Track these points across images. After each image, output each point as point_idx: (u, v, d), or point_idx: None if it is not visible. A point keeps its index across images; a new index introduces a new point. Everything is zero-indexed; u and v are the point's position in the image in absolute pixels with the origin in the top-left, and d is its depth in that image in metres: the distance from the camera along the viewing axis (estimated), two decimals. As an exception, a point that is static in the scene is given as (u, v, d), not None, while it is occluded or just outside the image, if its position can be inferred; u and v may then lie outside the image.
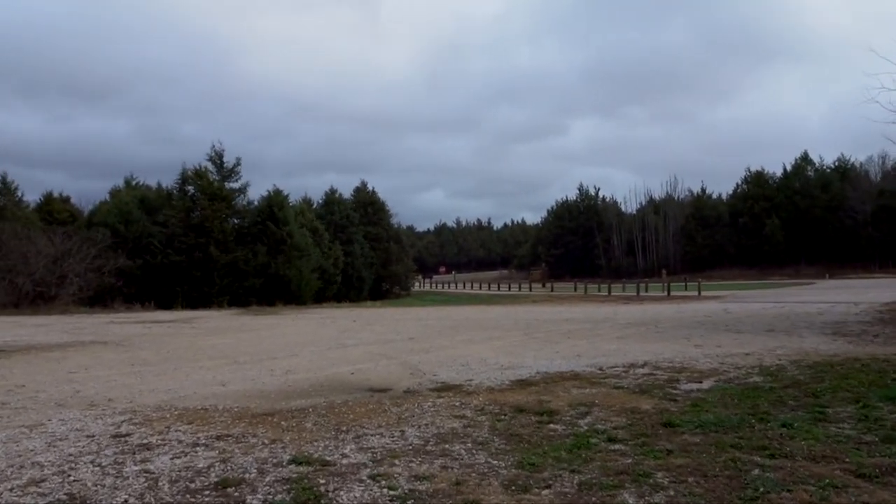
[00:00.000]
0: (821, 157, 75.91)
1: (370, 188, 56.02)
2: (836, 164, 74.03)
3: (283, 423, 6.60)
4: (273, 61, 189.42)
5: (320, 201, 53.14)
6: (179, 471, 4.92)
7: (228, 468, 4.99)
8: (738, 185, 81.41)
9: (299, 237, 42.85)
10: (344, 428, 6.29)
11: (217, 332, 18.28)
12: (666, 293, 39.92)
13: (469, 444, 5.55)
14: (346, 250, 49.51)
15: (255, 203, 44.20)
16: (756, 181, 77.62)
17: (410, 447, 5.53)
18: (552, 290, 54.26)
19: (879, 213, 63.91)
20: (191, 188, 41.74)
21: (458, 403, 7.36)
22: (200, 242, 38.48)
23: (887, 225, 63.19)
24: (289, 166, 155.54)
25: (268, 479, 4.68)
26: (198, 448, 5.61)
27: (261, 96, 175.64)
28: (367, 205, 54.52)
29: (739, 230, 74.46)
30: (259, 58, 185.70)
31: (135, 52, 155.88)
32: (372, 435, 5.99)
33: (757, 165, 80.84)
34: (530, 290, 58.05)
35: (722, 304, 28.28)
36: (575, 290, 51.60)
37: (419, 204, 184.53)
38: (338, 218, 50.26)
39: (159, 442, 5.84)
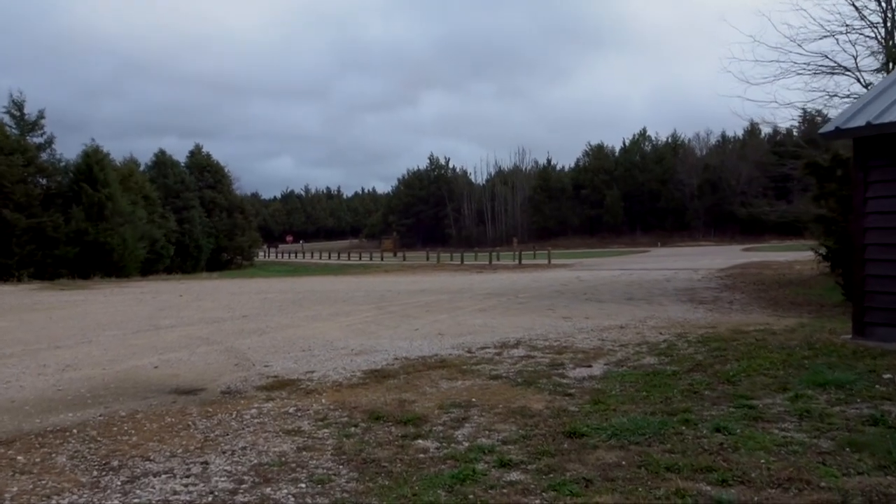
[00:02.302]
0: (657, 133, 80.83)
1: (205, 152, 51.10)
2: (669, 139, 79.09)
3: (20, 457, 4.41)
4: (105, 14, 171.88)
5: (150, 164, 47.72)
6: None
7: None
8: (579, 158, 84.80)
9: (123, 201, 37.93)
10: (115, 462, 4.24)
11: (-2, 313, 14.82)
12: (517, 262, 40.05)
13: (303, 485, 3.75)
14: (181, 217, 44.90)
15: (69, 162, 38.49)
16: (596, 154, 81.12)
17: (211, 496, 3.63)
18: (404, 260, 53.09)
19: (704, 186, 69.14)
20: (-21, 142, 35.41)
21: (292, 409, 5.51)
22: (-6, 205, 32.69)
23: (710, 197, 68.52)
24: (120, 128, 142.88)
25: None
26: None
27: (90, 51, 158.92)
28: (203, 169, 49.73)
29: (582, 201, 77.60)
30: (89, 9, 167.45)
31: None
32: (156, 474, 4.00)
33: (596, 141, 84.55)
34: (382, 259, 56.54)
35: (573, 272, 28.37)
36: (427, 259, 50.74)
37: (266, 171, 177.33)
38: (171, 182, 45.33)
39: None
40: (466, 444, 4.35)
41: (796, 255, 32.33)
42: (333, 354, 8.17)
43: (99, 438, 4.82)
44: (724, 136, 76.12)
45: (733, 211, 65.53)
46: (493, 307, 13.81)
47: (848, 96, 16.52)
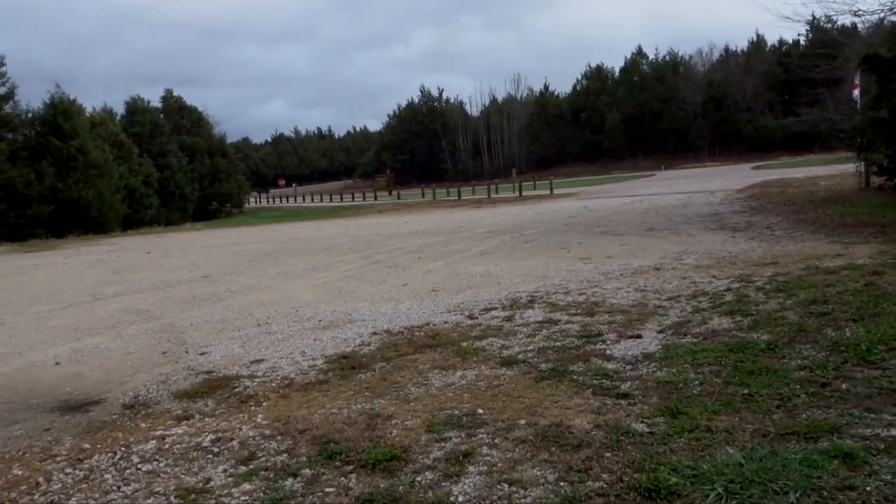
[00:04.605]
0: (656, 50, 76.85)
1: (176, 95, 48.13)
2: (668, 56, 75.35)
3: None
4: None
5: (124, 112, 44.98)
6: None
7: None
8: (578, 80, 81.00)
9: (96, 152, 35.52)
10: None
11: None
12: (517, 194, 37.95)
13: None
14: (160, 164, 42.53)
15: (36, 113, 35.87)
16: (596, 76, 77.51)
17: None
18: (399, 198, 50.89)
19: (708, 104, 66.04)
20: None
21: (209, 439, 3.66)
22: (-41, 164, 30.44)
23: (714, 115, 65.59)
24: (113, 81, 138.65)
25: None
26: None
27: (76, 5, 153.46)
28: (177, 113, 46.90)
29: (581, 127, 74.54)
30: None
31: None
32: None
33: (594, 64, 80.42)
34: (375, 198, 54.31)
35: (579, 201, 26.38)
36: (423, 196, 48.57)
37: (259, 116, 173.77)
38: (145, 129, 42.74)
39: None
40: (473, 526, 2.50)
41: (816, 171, 30.29)
42: (295, 330, 6.30)
43: None
44: (727, 50, 72.38)
45: (739, 128, 62.85)
46: (495, 249, 11.92)
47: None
